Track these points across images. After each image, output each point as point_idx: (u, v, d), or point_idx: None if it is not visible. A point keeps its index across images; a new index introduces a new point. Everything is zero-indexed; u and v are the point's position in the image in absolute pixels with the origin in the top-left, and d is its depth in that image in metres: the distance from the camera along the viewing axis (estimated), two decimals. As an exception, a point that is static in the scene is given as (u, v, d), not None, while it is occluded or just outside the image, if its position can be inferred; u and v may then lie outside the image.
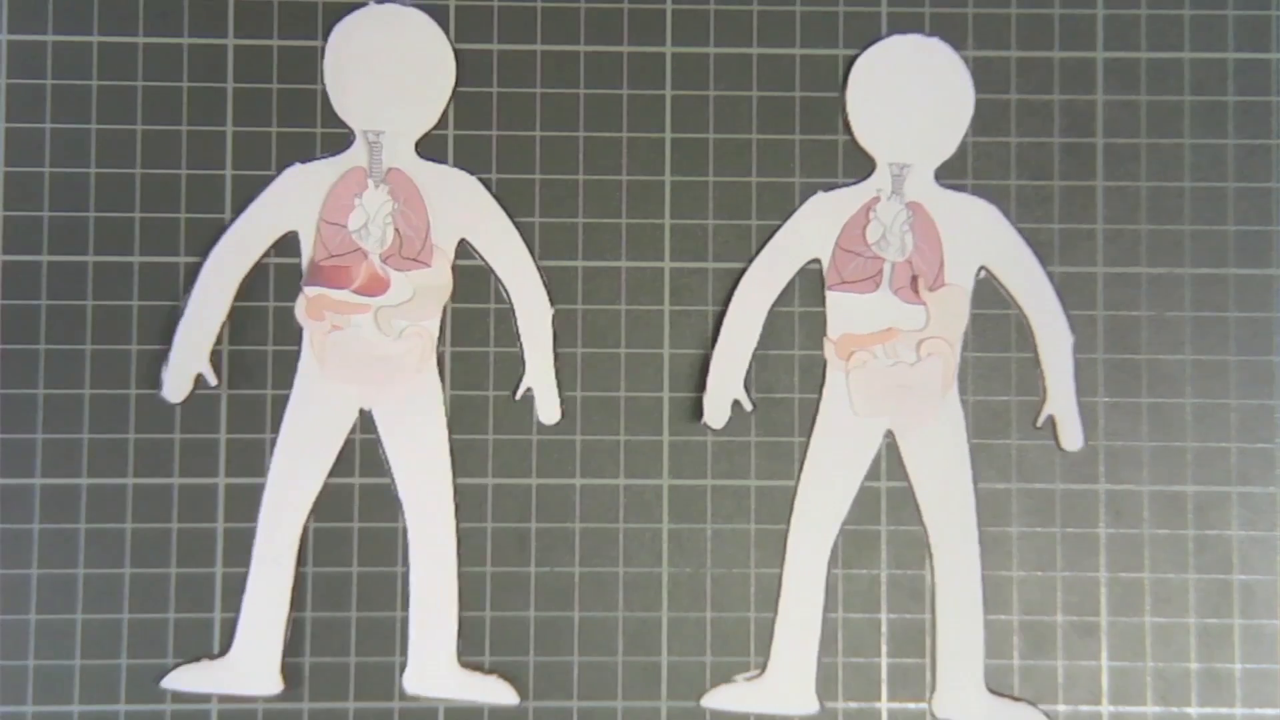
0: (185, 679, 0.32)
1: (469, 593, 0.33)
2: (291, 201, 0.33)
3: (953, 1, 0.34)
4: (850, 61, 0.34)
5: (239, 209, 0.33)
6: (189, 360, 0.32)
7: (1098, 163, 0.34)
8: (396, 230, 0.33)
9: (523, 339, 0.33)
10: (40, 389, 0.33)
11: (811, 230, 0.33)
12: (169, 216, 0.33)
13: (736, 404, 0.33)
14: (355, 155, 0.33)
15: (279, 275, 0.33)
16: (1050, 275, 0.34)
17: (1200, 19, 0.34)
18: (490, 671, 0.33)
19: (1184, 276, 0.34)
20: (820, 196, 0.34)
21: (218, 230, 0.33)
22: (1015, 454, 0.33)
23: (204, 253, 0.33)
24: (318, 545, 0.33)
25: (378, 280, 0.33)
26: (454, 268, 0.33)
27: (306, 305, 0.33)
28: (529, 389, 0.33)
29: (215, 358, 0.33)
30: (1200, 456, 0.33)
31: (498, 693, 0.32)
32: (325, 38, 0.34)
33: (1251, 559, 0.33)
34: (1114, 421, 0.33)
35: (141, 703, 0.32)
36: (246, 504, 0.33)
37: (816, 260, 0.34)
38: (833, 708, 0.33)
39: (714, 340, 0.33)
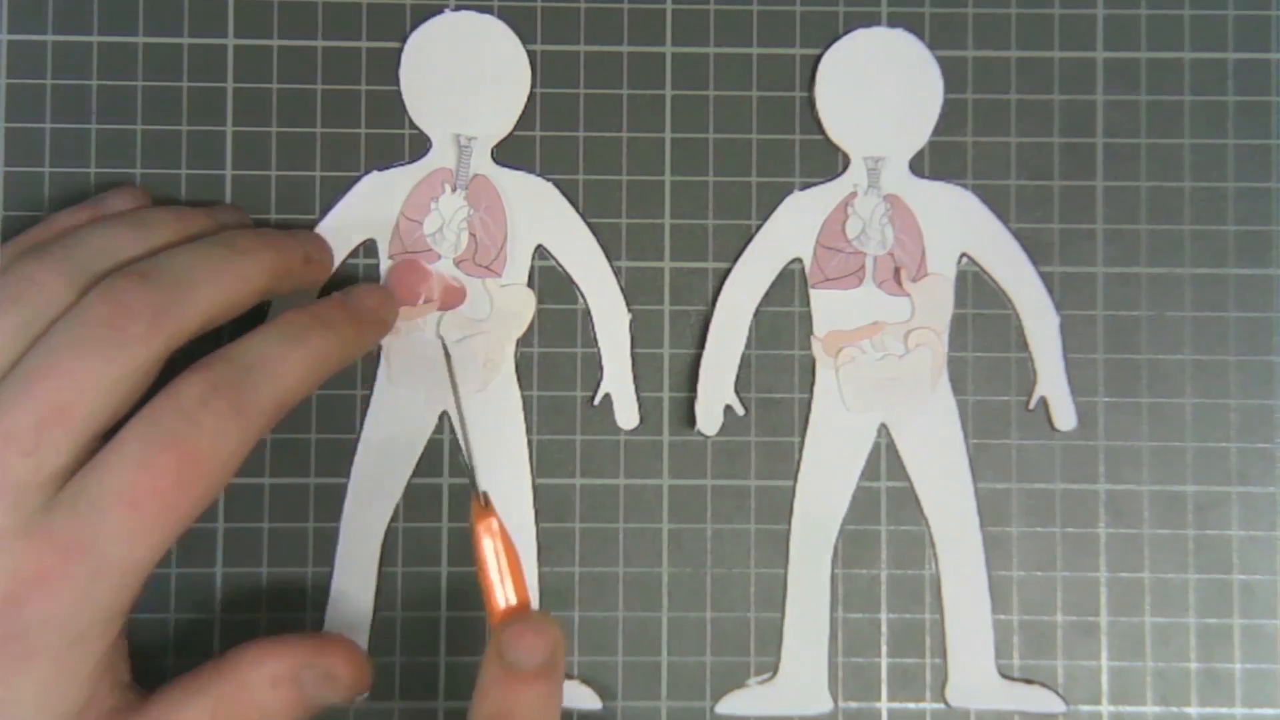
0: None
1: (456, 594, 0.33)
2: (370, 208, 0.33)
3: (952, 1, 0.34)
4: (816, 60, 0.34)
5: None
6: None
7: (1098, 163, 0.34)
8: (472, 235, 0.33)
9: (600, 345, 0.33)
10: (40, 389, 0.33)
11: (791, 230, 0.33)
12: (169, 216, 0.33)
13: (729, 409, 0.33)
14: (434, 160, 0.33)
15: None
16: (1037, 266, 0.34)
17: (1200, 19, 0.34)
18: (572, 676, 0.33)
19: (1184, 276, 0.34)
20: (797, 195, 0.34)
21: (218, 230, 0.33)
22: (1015, 454, 0.33)
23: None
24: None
25: (452, 292, 0.33)
26: (534, 281, 0.33)
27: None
28: (607, 394, 0.33)
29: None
30: (1200, 456, 0.33)
31: (581, 697, 0.32)
32: (324, 38, 0.34)
33: (1251, 559, 0.33)
34: (1114, 421, 0.33)
35: (141, 703, 0.32)
36: (246, 504, 0.33)
37: (798, 260, 0.34)
38: (832, 708, 0.33)
39: (701, 346, 0.33)
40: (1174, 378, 0.34)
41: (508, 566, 0.28)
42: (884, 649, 0.33)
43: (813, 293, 0.33)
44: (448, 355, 0.32)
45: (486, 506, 0.29)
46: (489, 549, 0.28)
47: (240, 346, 0.28)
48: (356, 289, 0.31)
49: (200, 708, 0.28)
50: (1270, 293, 0.34)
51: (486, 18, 0.34)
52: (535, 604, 0.33)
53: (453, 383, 0.32)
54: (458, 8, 0.34)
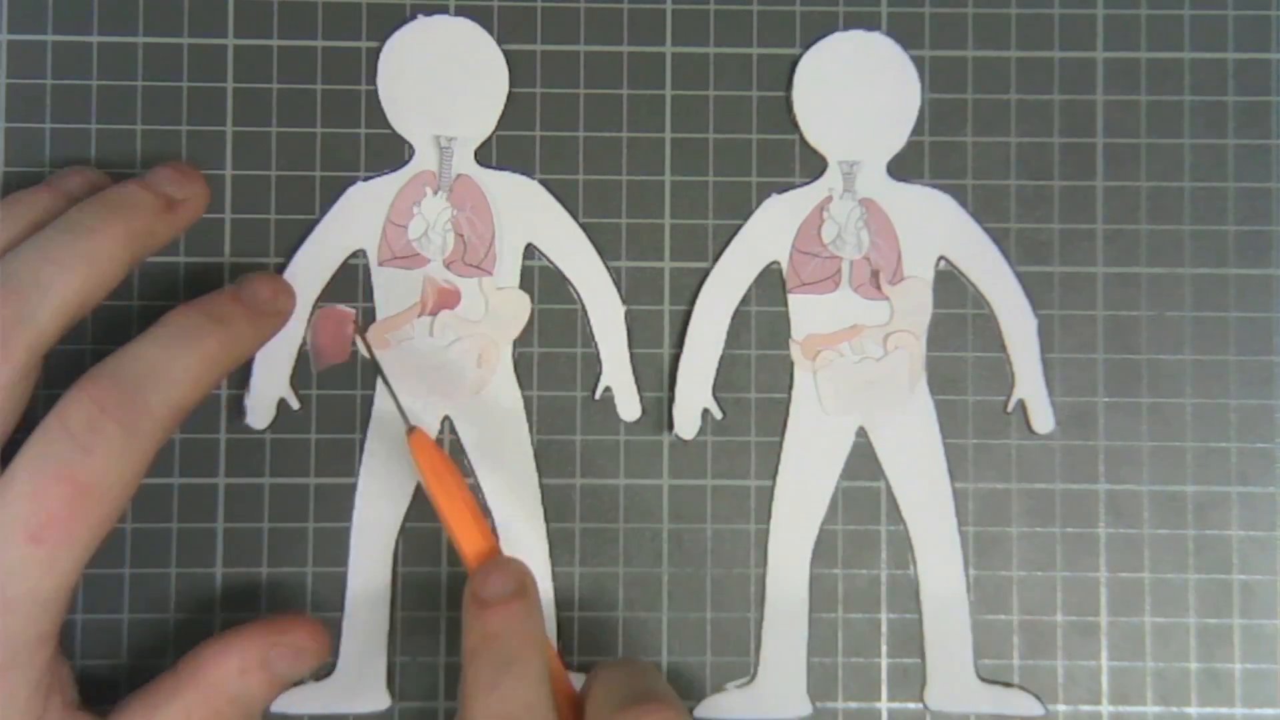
0: (292, 702, 0.32)
1: (457, 594, 0.33)
2: (356, 219, 0.33)
3: (952, 1, 0.34)
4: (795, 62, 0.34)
5: (238, 209, 0.33)
6: (271, 389, 0.33)
7: (1098, 163, 0.34)
8: (460, 235, 0.33)
9: (597, 339, 0.33)
10: (41, 389, 0.32)
11: (768, 233, 0.33)
12: (169, 216, 0.33)
13: (706, 412, 0.33)
14: (417, 164, 0.33)
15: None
16: (1012, 265, 0.34)
17: (1200, 19, 0.34)
18: (581, 671, 0.33)
19: (1184, 276, 0.34)
20: (775, 199, 0.34)
21: (216, 230, 0.33)
22: (1015, 454, 0.33)
23: (208, 253, 0.33)
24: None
25: (446, 294, 0.33)
26: (527, 285, 0.33)
27: (370, 342, 0.33)
28: (608, 388, 0.33)
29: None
30: (1200, 456, 0.33)
31: None
32: (324, 38, 0.34)
33: (1251, 559, 0.33)
34: (1114, 421, 0.34)
35: (141, 703, 0.32)
36: (246, 504, 0.33)
37: (777, 262, 0.34)
38: (832, 708, 0.33)
39: (679, 348, 0.33)
40: (1174, 378, 0.34)
41: (464, 506, 0.29)
42: (884, 649, 0.33)
43: (790, 297, 0.33)
44: (364, 339, 0.32)
45: (416, 428, 0.30)
46: (438, 487, 0.29)
47: (127, 356, 0.27)
48: (250, 278, 0.30)
49: (173, 714, 0.28)
50: (1270, 293, 0.34)
51: (459, 20, 0.34)
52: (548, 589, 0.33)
53: (370, 353, 0.32)
54: (456, 11, 0.34)
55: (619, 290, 0.33)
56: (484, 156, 0.34)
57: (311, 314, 0.33)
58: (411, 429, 0.30)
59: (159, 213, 0.29)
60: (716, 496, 0.33)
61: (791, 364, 0.33)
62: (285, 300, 0.30)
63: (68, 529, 0.25)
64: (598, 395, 0.33)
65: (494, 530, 0.33)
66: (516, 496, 0.33)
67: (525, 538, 0.33)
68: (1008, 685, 0.33)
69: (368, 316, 0.33)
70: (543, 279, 0.33)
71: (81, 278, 0.27)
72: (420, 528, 0.33)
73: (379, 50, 0.34)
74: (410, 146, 0.33)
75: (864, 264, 0.33)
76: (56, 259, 0.27)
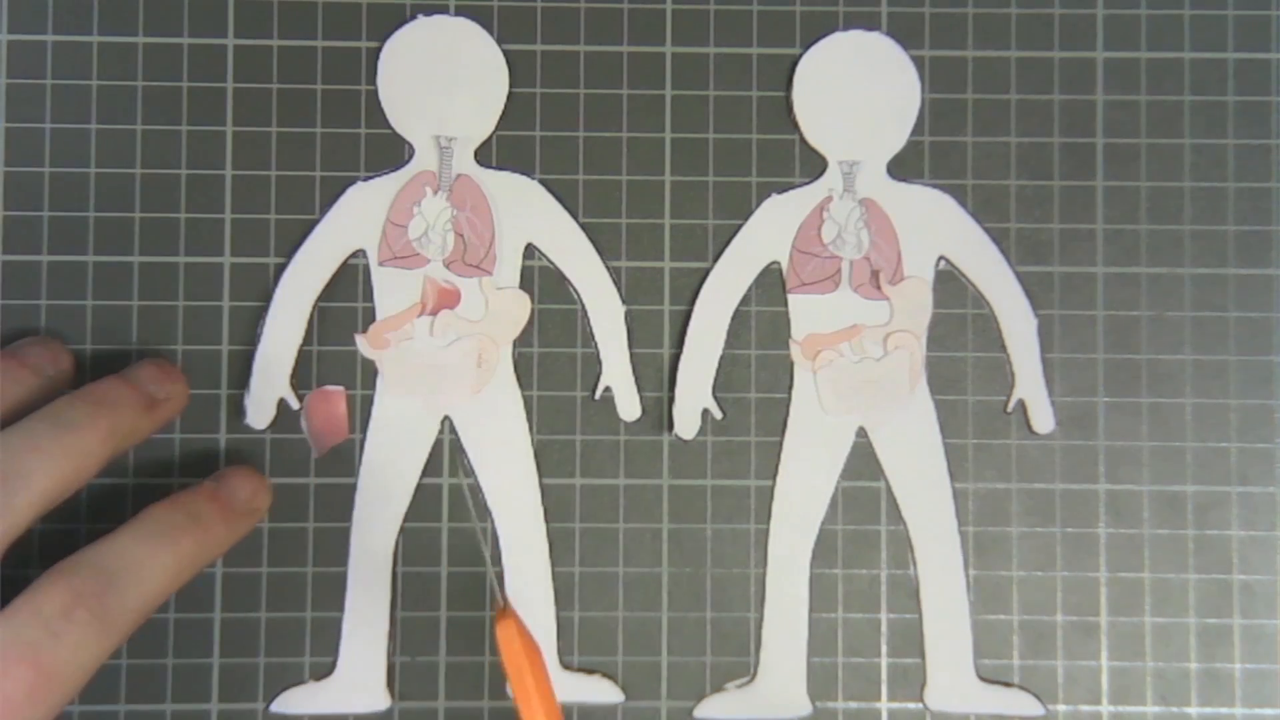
0: (293, 702, 0.32)
1: (456, 594, 0.33)
2: (356, 218, 0.33)
3: (953, 1, 0.34)
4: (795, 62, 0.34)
5: (238, 209, 0.33)
6: (271, 388, 0.33)
7: (1098, 163, 0.34)
8: (460, 235, 0.33)
9: (597, 339, 0.33)
10: (40, 389, 0.33)
11: (768, 233, 0.33)
12: (169, 216, 0.33)
13: (707, 412, 0.33)
14: (417, 164, 0.33)
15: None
16: (1012, 265, 0.34)
17: (1200, 19, 0.34)
18: (593, 671, 0.33)
19: (1184, 276, 0.34)
20: (774, 199, 0.34)
21: (216, 230, 0.33)
22: (1015, 454, 0.33)
23: (207, 253, 0.33)
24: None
25: (446, 294, 0.33)
26: (527, 285, 0.33)
27: (369, 341, 0.33)
28: (608, 387, 0.33)
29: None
30: (1200, 456, 0.33)
31: (604, 692, 0.32)
32: (324, 38, 0.34)
33: (1251, 559, 0.33)
34: (1114, 421, 0.34)
35: (141, 703, 0.32)
36: (246, 504, 0.33)
37: (777, 262, 0.34)
38: (832, 708, 0.33)
39: (678, 349, 0.33)
40: (1174, 378, 0.34)
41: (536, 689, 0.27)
42: (883, 649, 0.33)
43: (790, 297, 0.33)
44: (471, 491, 0.32)
45: (506, 609, 0.28)
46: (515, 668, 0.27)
47: (107, 549, 0.27)
48: (229, 476, 0.31)
49: None
50: (1270, 293, 0.34)
51: (459, 20, 0.34)
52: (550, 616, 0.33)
53: (475, 516, 0.32)
54: (456, 11, 0.34)
55: (619, 290, 0.33)
56: (484, 156, 0.34)
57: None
58: (504, 608, 0.28)
59: (141, 411, 0.30)
60: (716, 496, 0.33)
61: (791, 364, 0.33)
62: (262, 499, 0.31)
63: (21, 710, 0.25)
64: (598, 395, 0.33)
65: (493, 531, 0.33)
66: (516, 496, 0.33)
67: (525, 538, 0.33)
68: (1008, 685, 0.33)
69: (368, 316, 0.33)
70: (543, 279, 0.33)
71: (63, 471, 0.27)
72: (420, 527, 0.33)
73: (379, 50, 0.34)
74: (410, 146, 0.33)
75: (864, 264, 0.33)
76: (41, 451, 0.27)
